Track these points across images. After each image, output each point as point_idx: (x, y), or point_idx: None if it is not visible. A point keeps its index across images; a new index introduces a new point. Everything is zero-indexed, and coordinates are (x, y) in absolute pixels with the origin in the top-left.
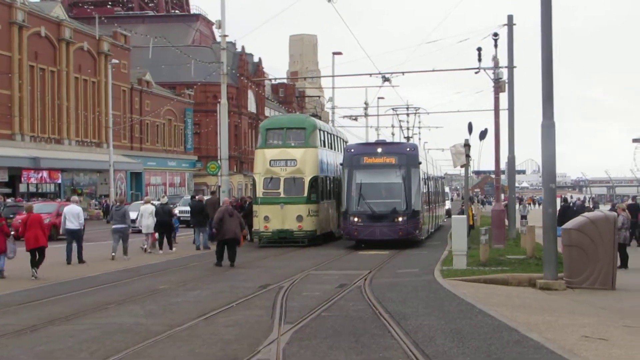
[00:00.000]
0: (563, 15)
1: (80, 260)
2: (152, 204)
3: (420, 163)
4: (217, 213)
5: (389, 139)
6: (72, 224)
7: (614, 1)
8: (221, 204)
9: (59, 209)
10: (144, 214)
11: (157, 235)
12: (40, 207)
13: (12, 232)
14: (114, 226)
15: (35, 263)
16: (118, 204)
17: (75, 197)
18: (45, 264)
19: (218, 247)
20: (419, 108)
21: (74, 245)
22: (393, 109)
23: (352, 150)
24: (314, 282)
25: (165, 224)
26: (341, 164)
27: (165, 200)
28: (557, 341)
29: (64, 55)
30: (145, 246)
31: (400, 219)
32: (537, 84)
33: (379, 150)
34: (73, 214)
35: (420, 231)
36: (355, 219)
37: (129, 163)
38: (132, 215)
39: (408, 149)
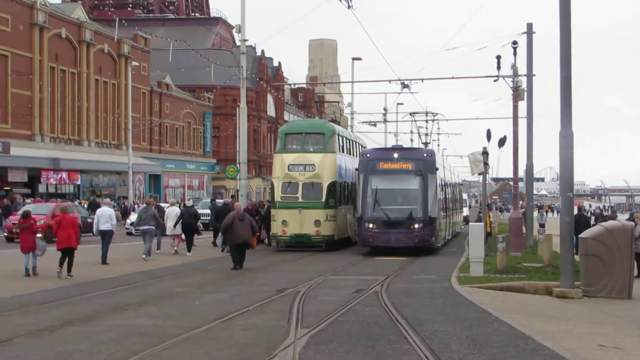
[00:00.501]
0: (582, 23)
1: (104, 261)
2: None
3: (437, 169)
4: (227, 218)
5: (407, 145)
6: (104, 225)
7: (635, 10)
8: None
9: (55, 210)
10: (169, 216)
11: (183, 236)
12: (34, 207)
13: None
14: (142, 227)
15: (64, 262)
16: (145, 205)
17: (108, 200)
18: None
19: (232, 251)
20: (437, 114)
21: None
22: (411, 114)
23: (368, 155)
24: (331, 287)
25: (191, 226)
26: (357, 169)
27: (190, 203)
28: (572, 350)
29: (84, 57)
30: (176, 248)
31: (416, 225)
32: (556, 92)
33: (396, 155)
34: (105, 216)
35: (436, 238)
36: (371, 225)
37: (148, 165)
38: (134, 217)
39: (425, 155)
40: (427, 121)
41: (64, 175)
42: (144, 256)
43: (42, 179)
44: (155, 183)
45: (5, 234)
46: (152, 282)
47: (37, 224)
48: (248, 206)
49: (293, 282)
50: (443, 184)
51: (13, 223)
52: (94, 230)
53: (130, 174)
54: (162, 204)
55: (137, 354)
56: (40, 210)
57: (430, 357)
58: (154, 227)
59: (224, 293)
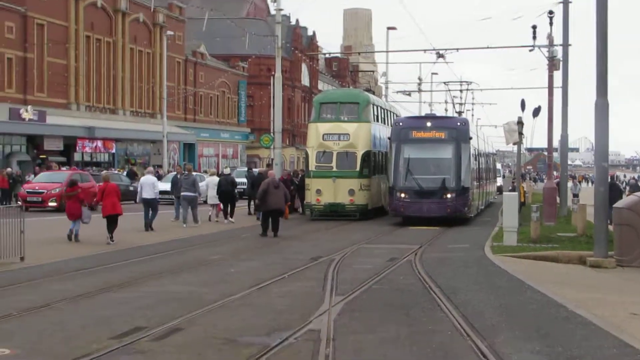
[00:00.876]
0: None
1: (151, 227)
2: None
3: (470, 138)
4: (262, 185)
5: (441, 115)
6: (147, 193)
7: None
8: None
9: (72, 176)
10: (209, 184)
11: (222, 205)
12: (48, 175)
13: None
14: (183, 193)
15: (110, 228)
16: (187, 172)
17: (151, 168)
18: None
19: (263, 218)
20: (471, 82)
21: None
22: (445, 83)
23: (401, 123)
24: (365, 256)
25: (229, 194)
26: (389, 138)
27: (228, 171)
28: (604, 318)
29: (119, 26)
30: (216, 218)
31: (448, 195)
32: (592, 63)
33: (429, 124)
34: (148, 184)
35: (469, 208)
36: (402, 195)
37: (182, 134)
38: (162, 185)
39: (459, 124)
40: (461, 91)
41: (99, 143)
42: (184, 224)
43: (77, 148)
44: (190, 152)
45: (20, 202)
46: (187, 250)
47: (53, 192)
48: (283, 176)
49: (327, 251)
50: (476, 153)
51: (28, 192)
52: (137, 198)
53: (164, 142)
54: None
55: (175, 319)
56: (54, 178)
57: (463, 324)
58: (196, 194)
59: (258, 261)
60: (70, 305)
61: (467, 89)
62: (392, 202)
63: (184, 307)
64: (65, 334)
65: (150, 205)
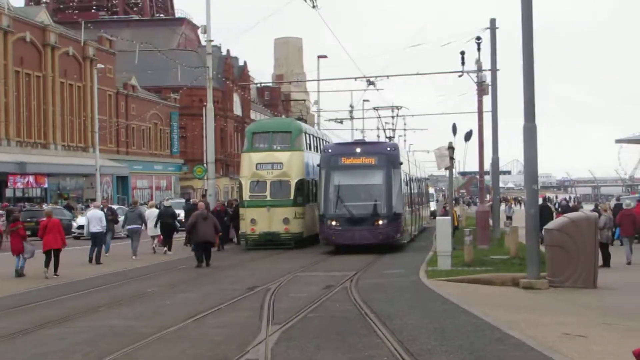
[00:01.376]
0: (547, 19)
1: (98, 260)
2: (156, 207)
3: (401, 163)
4: (191, 218)
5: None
6: (94, 227)
7: (598, 6)
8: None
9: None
10: (150, 217)
11: (162, 236)
12: None
13: (28, 234)
14: (129, 227)
15: (49, 263)
16: (132, 206)
17: (98, 202)
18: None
19: (196, 249)
20: (401, 107)
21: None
22: (375, 109)
23: (330, 150)
24: (301, 284)
25: (169, 226)
26: (318, 165)
27: (168, 203)
28: (537, 338)
29: (49, 60)
30: (155, 247)
31: (380, 222)
32: (521, 87)
33: (358, 150)
34: (96, 218)
35: (402, 234)
36: (333, 223)
37: (115, 167)
38: (82, 220)
39: (388, 149)
40: (393, 117)
41: (31, 179)
42: (133, 257)
43: (9, 184)
44: (123, 185)
45: None
46: (123, 283)
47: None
48: (217, 207)
49: (263, 280)
50: (408, 178)
51: None
52: (85, 232)
53: (97, 176)
54: (113, 206)
55: (112, 353)
56: None
57: (399, 349)
58: (140, 227)
59: (195, 292)
60: (5, 344)
61: (397, 115)
62: (323, 230)
63: (121, 342)
64: None
65: (97, 239)
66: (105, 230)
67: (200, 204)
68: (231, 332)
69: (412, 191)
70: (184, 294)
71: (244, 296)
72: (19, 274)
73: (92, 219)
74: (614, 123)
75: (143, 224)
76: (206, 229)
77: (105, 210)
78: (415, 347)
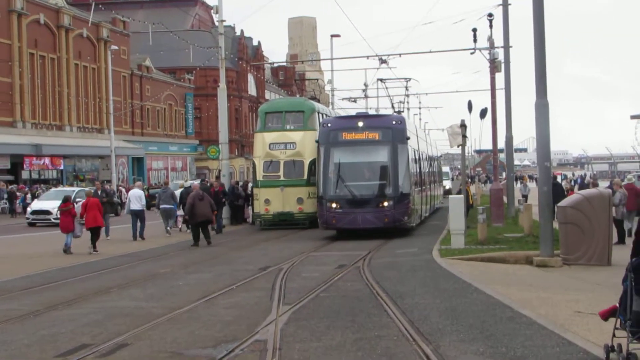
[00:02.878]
0: None
1: (142, 236)
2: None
3: (408, 138)
4: (188, 199)
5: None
6: (135, 205)
7: None
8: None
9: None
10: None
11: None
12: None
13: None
14: (162, 206)
15: (94, 240)
16: (164, 186)
17: (139, 183)
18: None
19: (193, 230)
20: (410, 79)
21: (138, 224)
22: (381, 80)
23: (329, 124)
24: (314, 264)
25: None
26: (317, 141)
27: (188, 184)
28: (549, 317)
29: (63, 42)
30: (180, 227)
31: (385, 203)
32: (533, 64)
33: (360, 124)
34: (136, 197)
35: (409, 217)
36: (334, 205)
37: (131, 148)
38: (36, 205)
39: (394, 122)
40: (405, 91)
41: (47, 160)
42: (167, 234)
43: (24, 165)
44: (139, 166)
45: None
46: (136, 264)
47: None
48: (214, 187)
49: (276, 260)
50: (417, 154)
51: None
52: (125, 210)
53: (112, 157)
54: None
55: (121, 334)
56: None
57: (409, 329)
58: (174, 206)
59: (207, 272)
60: (16, 325)
61: (407, 87)
62: (323, 213)
63: (131, 322)
64: (9, 352)
65: (139, 217)
66: (144, 209)
67: (194, 185)
68: (241, 312)
69: (422, 169)
70: (196, 274)
71: (255, 276)
72: (68, 251)
73: (132, 197)
74: (630, 99)
75: (175, 204)
76: (203, 209)
77: (100, 192)
78: (426, 326)
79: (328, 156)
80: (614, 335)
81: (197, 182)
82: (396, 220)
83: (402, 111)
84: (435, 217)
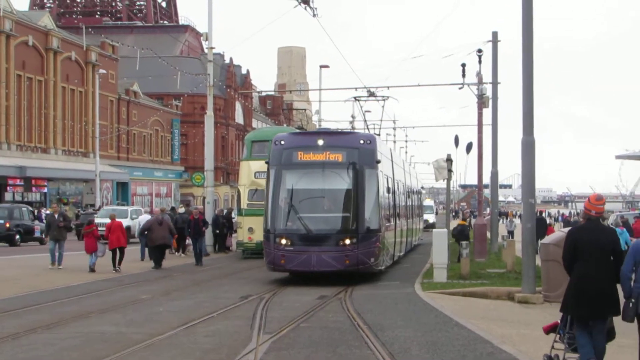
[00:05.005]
0: (549, 34)
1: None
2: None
3: (379, 162)
4: (145, 223)
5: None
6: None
7: (601, 21)
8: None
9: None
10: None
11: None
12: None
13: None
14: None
15: (115, 259)
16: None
17: (148, 209)
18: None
19: (154, 252)
20: (387, 97)
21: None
22: (356, 98)
23: (282, 142)
24: (296, 294)
25: (182, 230)
26: (266, 162)
27: (182, 210)
28: (529, 353)
29: (51, 64)
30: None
31: (347, 241)
32: (521, 100)
33: (320, 142)
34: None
35: (377, 259)
36: (283, 242)
37: (116, 173)
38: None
39: (362, 142)
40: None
41: (31, 183)
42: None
43: (8, 187)
44: (123, 191)
45: None
46: (116, 289)
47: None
48: (194, 215)
49: (258, 289)
50: (390, 183)
51: None
52: (137, 233)
53: (97, 182)
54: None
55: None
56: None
57: None
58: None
59: (188, 300)
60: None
61: (384, 107)
62: (269, 251)
63: (110, 348)
64: None
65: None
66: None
67: (155, 210)
68: (222, 340)
69: (397, 200)
70: (177, 301)
71: (237, 305)
72: (92, 269)
73: (143, 222)
74: (615, 139)
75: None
76: (161, 232)
77: (57, 216)
78: (406, 359)
79: (279, 181)
80: (552, 347)
81: (182, 209)
82: (360, 262)
83: (379, 135)
84: (408, 260)
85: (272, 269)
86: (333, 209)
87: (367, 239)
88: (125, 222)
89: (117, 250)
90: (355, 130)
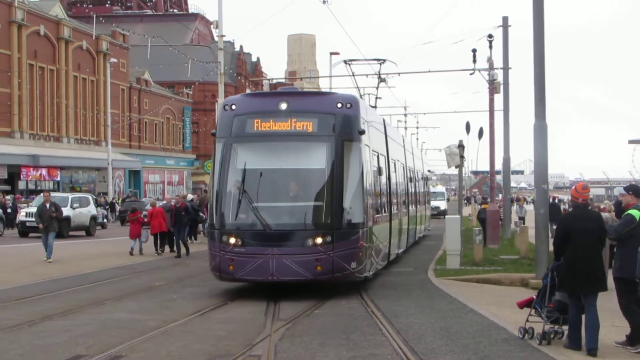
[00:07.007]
0: (562, 17)
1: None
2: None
3: (362, 132)
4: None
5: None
6: None
7: (613, 4)
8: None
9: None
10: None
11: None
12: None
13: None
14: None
15: (157, 243)
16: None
17: (168, 196)
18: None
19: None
20: (385, 60)
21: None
22: (345, 61)
23: (234, 106)
24: None
25: (194, 218)
26: (213, 133)
27: (190, 197)
28: None
29: (63, 54)
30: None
31: (319, 240)
32: (532, 85)
33: (284, 106)
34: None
35: (360, 263)
36: (232, 241)
37: (127, 161)
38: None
39: (340, 105)
40: (378, 78)
41: (44, 171)
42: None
43: (21, 176)
44: (135, 179)
45: None
46: (131, 276)
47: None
48: (175, 204)
49: None
50: (381, 161)
51: None
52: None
53: (109, 170)
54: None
55: (115, 346)
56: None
57: (404, 348)
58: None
59: (202, 287)
60: (9, 334)
61: (380, 74)
62: (214, 253)
63: (125, 335)
64: None
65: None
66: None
67: (167, 197)
68: (236, 327)
69: (391, 184)
70: (190, 288)
71: (250, 292)
72: (135, 253)
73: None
74: (628, 123)
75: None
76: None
77: (48, 205)
78: (420, 346)
79: (227, 158)
80: (527, 320)
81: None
82: (336, 268)
83: (375, 107)
84: (407, 258)
85: (217, 277)
86: (300, 196)
87: (346, 237)
88: (65, 212)
89: (159, 234)
90: (331, 91)
